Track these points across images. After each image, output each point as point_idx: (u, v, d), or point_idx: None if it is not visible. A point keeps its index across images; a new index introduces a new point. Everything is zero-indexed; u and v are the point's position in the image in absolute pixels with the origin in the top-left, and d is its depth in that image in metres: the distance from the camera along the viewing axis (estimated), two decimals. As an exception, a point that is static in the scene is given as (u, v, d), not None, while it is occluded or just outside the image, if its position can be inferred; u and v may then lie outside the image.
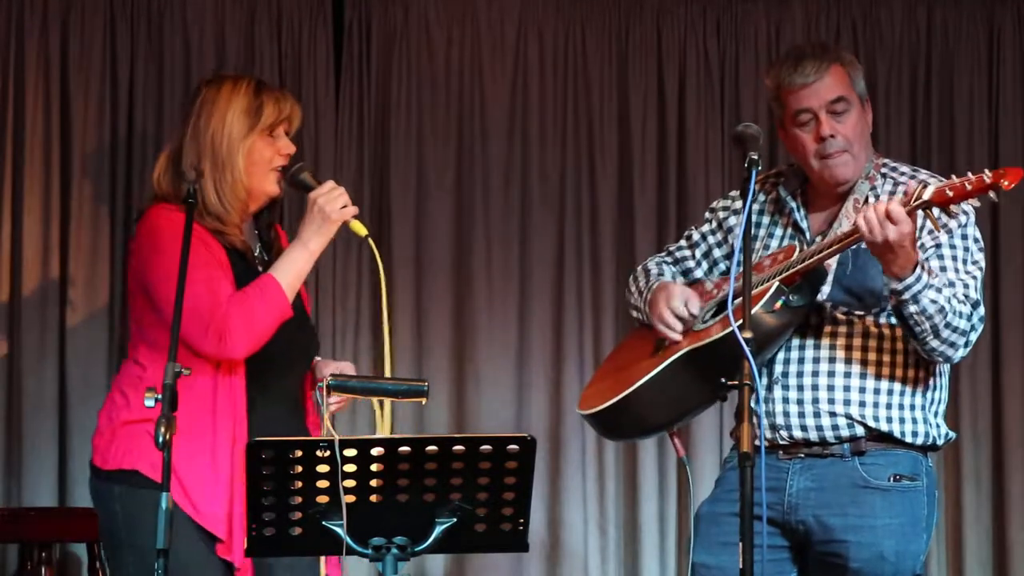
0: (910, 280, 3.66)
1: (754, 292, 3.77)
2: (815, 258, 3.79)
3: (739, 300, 3.49)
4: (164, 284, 3.78)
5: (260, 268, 3.93)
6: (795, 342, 3.89)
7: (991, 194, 3.56)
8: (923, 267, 3.69)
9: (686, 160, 6.04)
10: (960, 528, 6.00)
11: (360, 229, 3.91)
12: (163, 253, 3.81)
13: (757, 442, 3.68)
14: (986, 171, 3.57)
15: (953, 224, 3.82)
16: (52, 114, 5.67)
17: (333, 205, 3.86)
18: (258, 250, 3.99)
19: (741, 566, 3.32)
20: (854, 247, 3.77)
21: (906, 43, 6.11)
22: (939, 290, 3.71)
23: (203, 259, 3.79)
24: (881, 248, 3.63)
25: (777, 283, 3.78)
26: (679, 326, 3.94)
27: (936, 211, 3.62)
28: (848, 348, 3.86)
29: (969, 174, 3.59)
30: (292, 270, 3.85)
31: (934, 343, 3.76)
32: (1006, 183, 3.53)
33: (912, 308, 3.70)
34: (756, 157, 3.57)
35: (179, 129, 4.00)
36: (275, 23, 5.86)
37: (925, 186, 3.62)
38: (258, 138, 3.91)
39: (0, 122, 5.65)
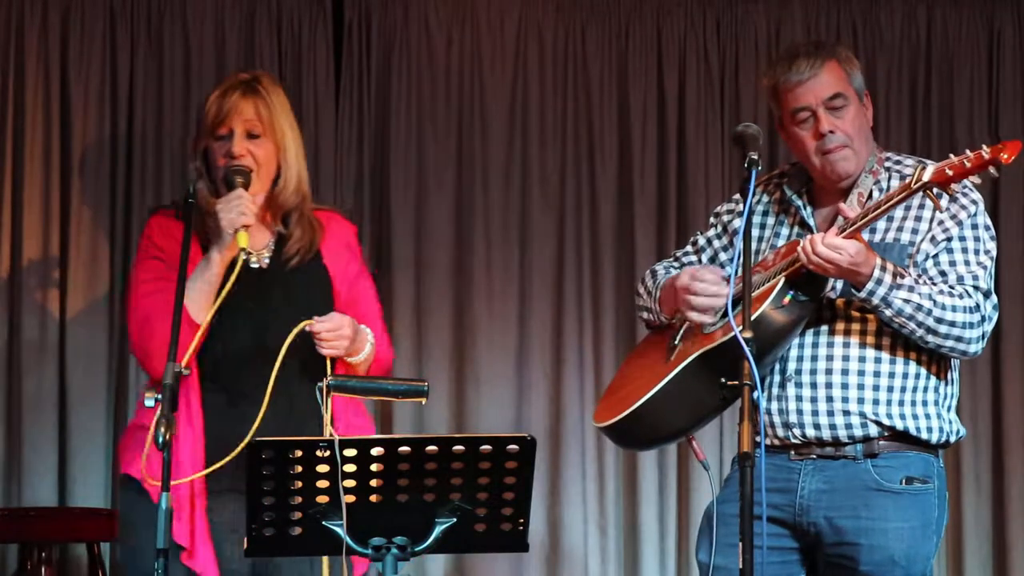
0: (870, 285, 3.69)
1: (762, 289, 3.78)
2: None
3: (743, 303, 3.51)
4: (127, 294, 3.85)
5: (260, 267, 3.91)
6: (808, 339, 3.88)
7: (991, 169, 3.56)
8: (884, 268, 3.70)
9: (686, 160, 6.04)
10: (960, 528, 6.00)
11: (242, 240, 3.75)
12: (134, 267, 3.89)
13: (767, 440, 3.70)
14: (984, 147, 3.57)
15: (963, 215, 3.82)
16: (52, 114, 5.67)
17: (227, 214, 3.76)
18: (271, 249, 3.93)
19: (740, 566, 3.32)
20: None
21: (906, 43, 6.12)
22: (911, 289, 3.72)
23: (153, 271, 3.78)
24: (833, 273, 3.71)
25: (783, 279, 3.78)
26: (720, 300, 3.88)
27: (936, 190, 3.64)
28: (862, 345, 3.86)
29: (968, 151, 3.59)
30: (197, 281, 3.76)
31: (935, 340, 3.76)
32: (1005, 156, 3.53)
33: (887, 312, 3.72)
34: (756, 157, 3.58)
35: None
36: (275, 23, 5.86)
37: (924, 167, 3.64)
38: (210, 141, 3.88)
39: (0, 122, 5.65)
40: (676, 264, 4.18)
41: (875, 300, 3.71)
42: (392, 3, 5.95)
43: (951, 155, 3.63)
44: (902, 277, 3.73)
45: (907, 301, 3.71)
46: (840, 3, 6.10)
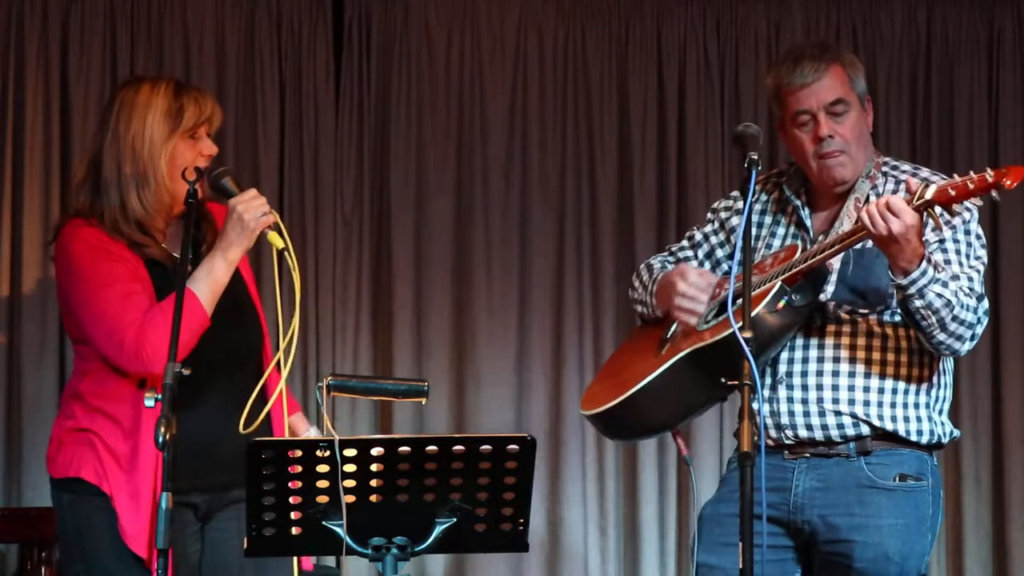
0: (915, 274, 3.66)
1: (756, 292, 3.78)
2: (818, 257, 3.79)
3: (741, 301, 3.50)
4: (84, 310, 3.78)
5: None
6: (799, 341, 3.89)
7: (993, 193, 3.57)
8: (929, 261, 3.69)
9: (686, 160, 6.04)
10: (960, 528, 6.00)
11: (277, 241, 3.72)
12: (78, 278, 3.78)
13: (761, 440, 3.69)
14: (988, 170, 3.58)
15: (956, 221, 3.82)
16: (52, 114, 5.67)
17: (252, 213, 3.72)
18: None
19: (741, 566, 3.32)
20: (857, 246, 3.78)
21: (906, 43, 6.12)
22: (945, 284, 3.71)
23: (116, 275, 3.73)
24: (886, 241, 3.64)
25: (780, 283, 3.78)
26: (700, 305, 3.90)
27: (938, 209, 3.62)
28: (852, 347, 3.86)
29: (972, 173, 3.59)
30: (209, 280, 3.73)
31: (941, 336, 3.76)
32: (1008, 182, 3.54)
33: (918, 303, 3.70)
34: (756, 157, 3.58)
35: (97, 135, 3.89)
36: (275, 23, 5.86)
37: (927, 185, 3.63)
38: (179, 140, 3.82)
39: (0, 122, 5.65)
40: (671, 259, 4.19)
41: (912, 289, 3.68)
42: (392, 3, 5.95)
43: (955, 175, 3.63)
44: (939, 269, 3.72)
45: (939, 295, 3.70)
46: (840, 3, 6.10)
